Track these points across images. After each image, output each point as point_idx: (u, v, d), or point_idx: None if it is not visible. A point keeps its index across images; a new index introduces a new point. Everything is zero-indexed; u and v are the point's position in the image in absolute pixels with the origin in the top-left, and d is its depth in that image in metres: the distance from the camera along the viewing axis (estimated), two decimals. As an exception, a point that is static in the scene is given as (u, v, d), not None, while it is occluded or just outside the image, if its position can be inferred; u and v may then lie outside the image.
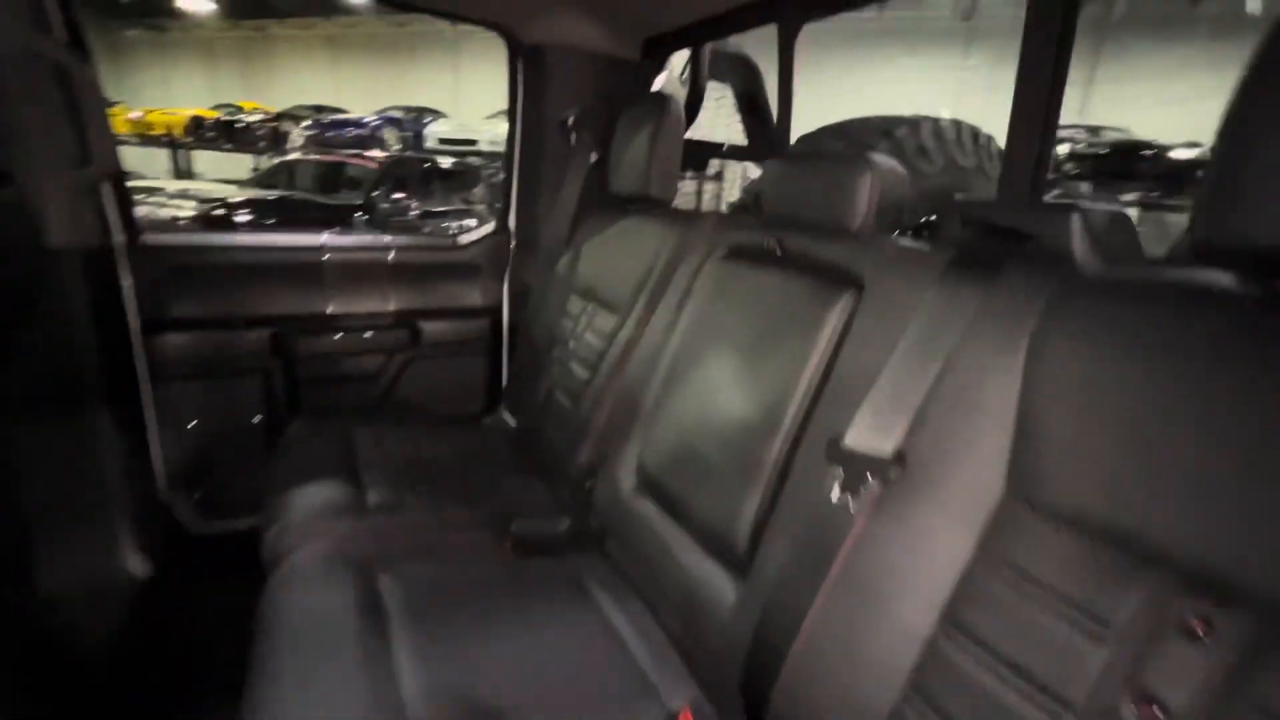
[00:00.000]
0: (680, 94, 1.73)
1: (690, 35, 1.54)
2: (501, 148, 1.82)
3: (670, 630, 0.96)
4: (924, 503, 0.64)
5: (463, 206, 7.26)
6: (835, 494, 0.69)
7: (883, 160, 0.86)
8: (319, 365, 1.63)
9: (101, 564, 1.40)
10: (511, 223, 1.82)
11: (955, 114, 2.23)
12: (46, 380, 1.34)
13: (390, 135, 9.89)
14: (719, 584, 0.88)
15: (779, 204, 1.02)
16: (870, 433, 0.69)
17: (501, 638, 0.92)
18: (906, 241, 0.84)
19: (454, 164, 7.43)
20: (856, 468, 0.69)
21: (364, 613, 0.89)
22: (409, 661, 0.82)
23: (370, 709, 0.74)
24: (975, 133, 2.12)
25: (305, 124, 10.23)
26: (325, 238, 1.66)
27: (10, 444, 1.31)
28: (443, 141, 9.69)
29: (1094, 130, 9.06)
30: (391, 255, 1.70)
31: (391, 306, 1.70)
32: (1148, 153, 7.50)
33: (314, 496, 1.18)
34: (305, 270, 1.61)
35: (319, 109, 11.85)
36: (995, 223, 0.73)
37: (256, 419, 1.58)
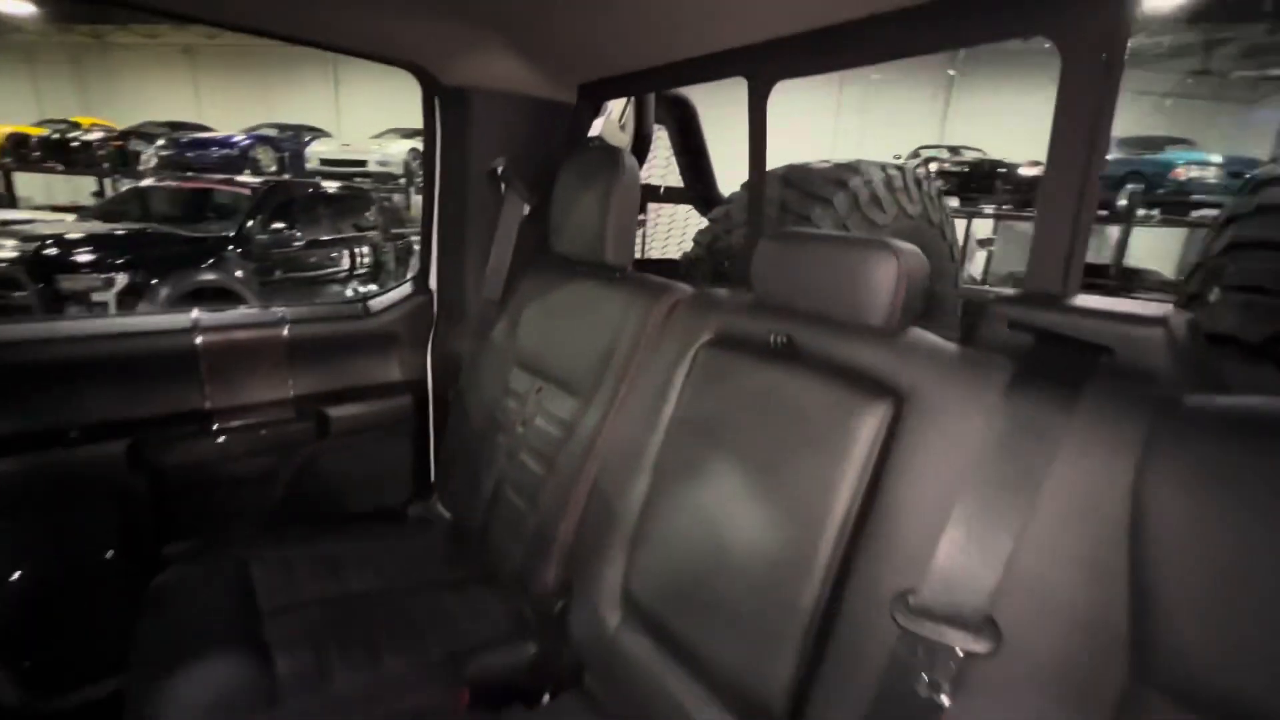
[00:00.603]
0: (621, 140, 1.59)
1: (633, 83, 1.39)
2: (393, 169, 1.58)
3: None
4: (1029, 683, 0.52)
5: (354, 234, 6.72)
6: (922, 681, 0.56)
7: (902, 245, 0.76)
8: (195, 475, 1.31)
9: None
10: (433, 283, 1.58)
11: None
12: None
13: (264, 156, 8.97)
14: None
15: (776, 289, 0.89)
16: (949, 589, 0.57)
17: None
18: (941, 341, 0.74)
19: (341, 188, 6.83)
20: (937, 634, 0.56)
21: None
22: None
23: None
24: (918, 179, 2.12)
25: (160, 143, 9.08)
26: (196, 314, 1.35)
27: None
28: (325, 163, 8.92)
29: (955, 150, 10.01)
30: (286, 330, 1.41)
31: (290, 392, 1.41)
32: (1001, 170, 8.45)
33: (202, 681, 0.90)
34: (170, 358, 1.28)
35: (176, 126, 10.58)
36: (1060, 332, 0.63)
37: (109, 555, 1.23)
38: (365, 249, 6.84)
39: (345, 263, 6.57)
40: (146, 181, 6.44)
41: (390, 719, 0.95)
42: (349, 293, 6.27)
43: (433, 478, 1.60)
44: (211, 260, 4.90)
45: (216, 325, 1.33)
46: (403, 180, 8.81)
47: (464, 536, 1.36)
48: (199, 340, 1.30)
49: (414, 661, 1.04)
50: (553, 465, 1.15)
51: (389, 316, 1.55)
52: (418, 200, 8.76)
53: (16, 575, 1.14)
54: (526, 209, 1.46)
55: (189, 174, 7.53)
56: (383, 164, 8.72)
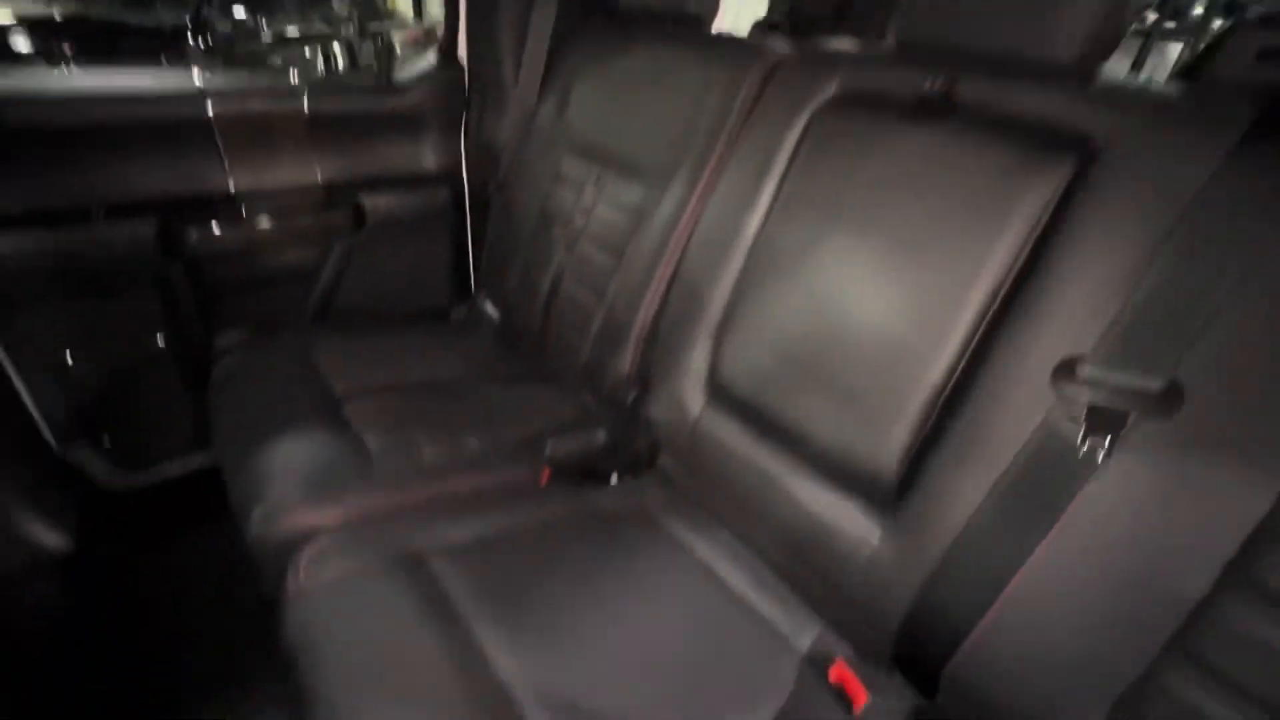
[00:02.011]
0: None
1: None
2: None
3: (778, 568, 0.85)
4: (1205, 451, 0.51)
5: (325, 30, 5.87)
6: (1079, 435, 0.55)
7: None
8: (233, 265, 1.24)
9: (3, 547, 1.09)
10: (462, 54, 1.37)
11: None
12: None
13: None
14: (853, 522, 0.76)
15: (927, 30, 0.75)
16: (1126, 356, 0.54)
17: (591, 605, 0.78)
18: (1157, 87, 0.62)
19: (303, -31, 5.84)
20: (1108, 400, 0.54)
21: (431, 618, 0.70)
22: (507, 665, 0.67)
23: None
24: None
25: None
26: (199, 78, 1.18)
27: None
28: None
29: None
30: (305, 103, 1.25)
31: (318, 177, 1.29)
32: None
33: (298, 453, 0.91)
34: (185, 129, 1.14)
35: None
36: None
37: (159, 343, 1.20)
38: (338, 47, 6.04)
39: (318, 65, 5.84)
40: None
41: (477, 491, 0.99)
42: None
43: (475, 276, 1.55)
44: (165, 57, 4.32)
45: (226, 92, 1.16)
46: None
47: (518, 334, 1.34)
48: (211, 109, 1.14)
49: (492, 442, 1.07)
50: (622, 255, 1.09)
51: (416, 95, 1.36)
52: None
53: (66, 358, 1.12)
54: None
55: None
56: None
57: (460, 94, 1.39)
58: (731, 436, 0.90)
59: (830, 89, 0.84)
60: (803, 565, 0.82)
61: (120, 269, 1.13)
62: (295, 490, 0.87)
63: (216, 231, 1.19)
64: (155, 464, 1.24)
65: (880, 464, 0.73)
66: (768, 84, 0.93)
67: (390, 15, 7.12)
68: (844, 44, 0.90)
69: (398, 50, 6.20)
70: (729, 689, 0.68)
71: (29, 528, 1.10)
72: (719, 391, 0.93)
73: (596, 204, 1.15)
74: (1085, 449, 0.56)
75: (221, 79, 1.19)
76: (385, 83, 1.34)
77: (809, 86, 0.87)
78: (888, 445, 0.72)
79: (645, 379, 1.06)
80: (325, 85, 1.28)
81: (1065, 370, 0.58)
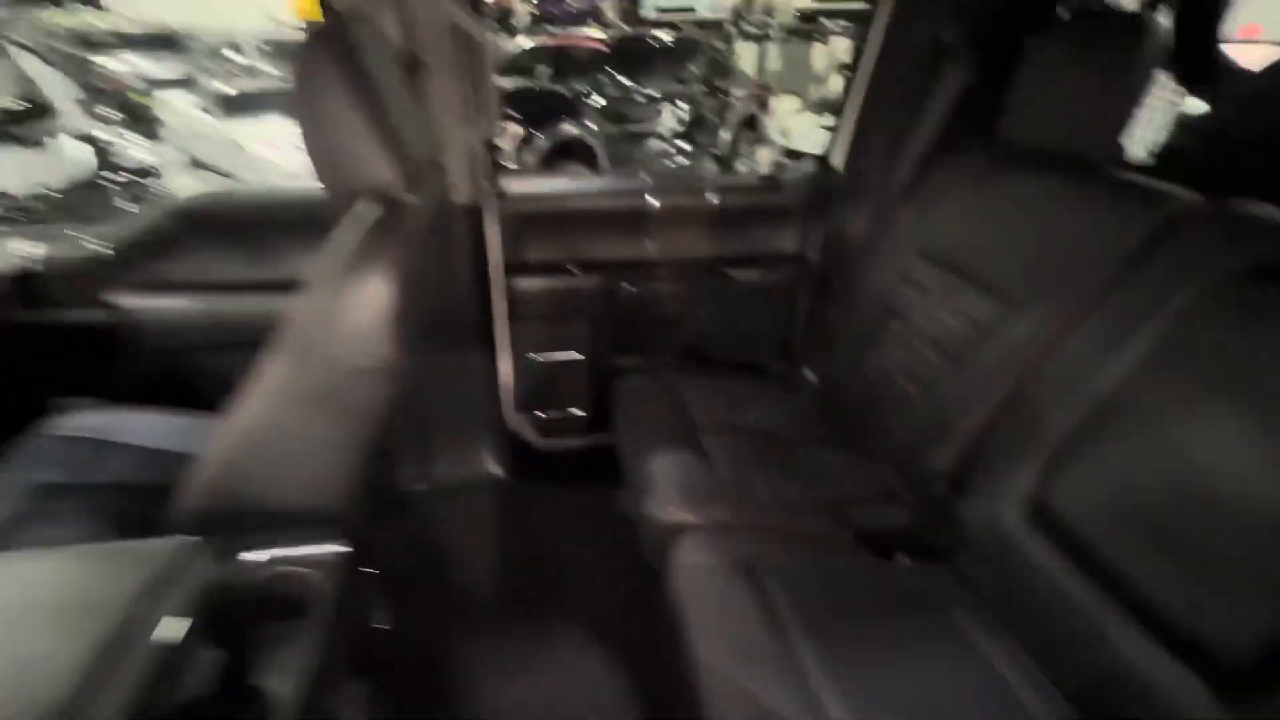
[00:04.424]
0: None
1: None
2: (721, 15, 1.62)
3: (1073, 700, 0.87)
4: None
5: (678, 89, 6.80)
6: None
7: None
8: (641, 307, 1.69)
9: (469, 465, 1.69)
10: (838, 161, 1.62)
11: None
12: (439, 314, 1.57)
13: (608, 6, 9.51)
14: (1183, 690, 0.75)
15: None
16: None
17: (891, 659, 0.92)
18: None
19: (675, 39, 6.96)
20: None
21: (767, 617, 0.93)
22: (825, 682, 0.85)
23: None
24: None
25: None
26: (646, 181, 1.65)
27: (415, 366, 1.61)
28: (661, 11, 9.07)
29: None
30: (705, 198, 1.64)
31: (705, 251, 1.67)
32: None
33: (673, 461, 1.25)
34: (629, 216, 1.62)
35: (536, -20, 11.66)
36: None
37: (581, 357, 1.71)
38: (684, 104, 6.95)
39: (668, 118, 6.80)
40: (528, 41, 7.30)
41: (792, 531, 1.19)
42: (669, 149, 6.52)
43: (798, 341, 1.79)
44: (573, 115, 5.63)
45: (659, 190, 1.62)
46: (730, 28, 8.54)
47: (836, 403, 1.52)
48: (648, 204, 1.60)
49: (807, 493, 1.27)
50: (960, 362, 1.19)
51: (794, 192, 1.67)
52: (742, 49, 8.47)
53: (533, 357, 1.68)
54: (965, 86, 1.35)
55: (551, 29, 8.44)
56: (713, 8, 8.53)
57: (827, 192, 1.65)
58: (1049, 561, 0.92)
59: (1244, 259, 0.82)
60: (1104, 711, 0.83)
61: (580, 306, 1.67)
62: (674, 492, 1.20)
63: (632, 285, 1.65)
64: (563, 436, 1.77)
65: (1237, 643, 0.71)
66: (1164, 236, 0.93)
67: (735, 75, 8.02)
68: (1266, 210, 0.86)
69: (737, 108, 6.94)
70: None
71: (483, 458, 1.69)
72: (1044, 515, 0.96)
73: (940, 309, 1.26)
74: None
75: (651, 179, 1.66)
76: (768, 182, 1.68)
77: (1216, 251, 0.86)
78: (1251, 626, 0.70)
79: (961, 478, 1.13)
80: (724, 183, 1.67)
81: None
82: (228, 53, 8.30)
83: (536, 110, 5.49)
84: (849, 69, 1.55)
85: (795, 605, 0.97)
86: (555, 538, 1.63)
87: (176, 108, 6.63)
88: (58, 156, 4.05)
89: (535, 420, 1.75)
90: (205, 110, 6.44)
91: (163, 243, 1.37)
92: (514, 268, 1.57)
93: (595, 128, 5.72)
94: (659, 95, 6.52)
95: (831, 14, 8.18)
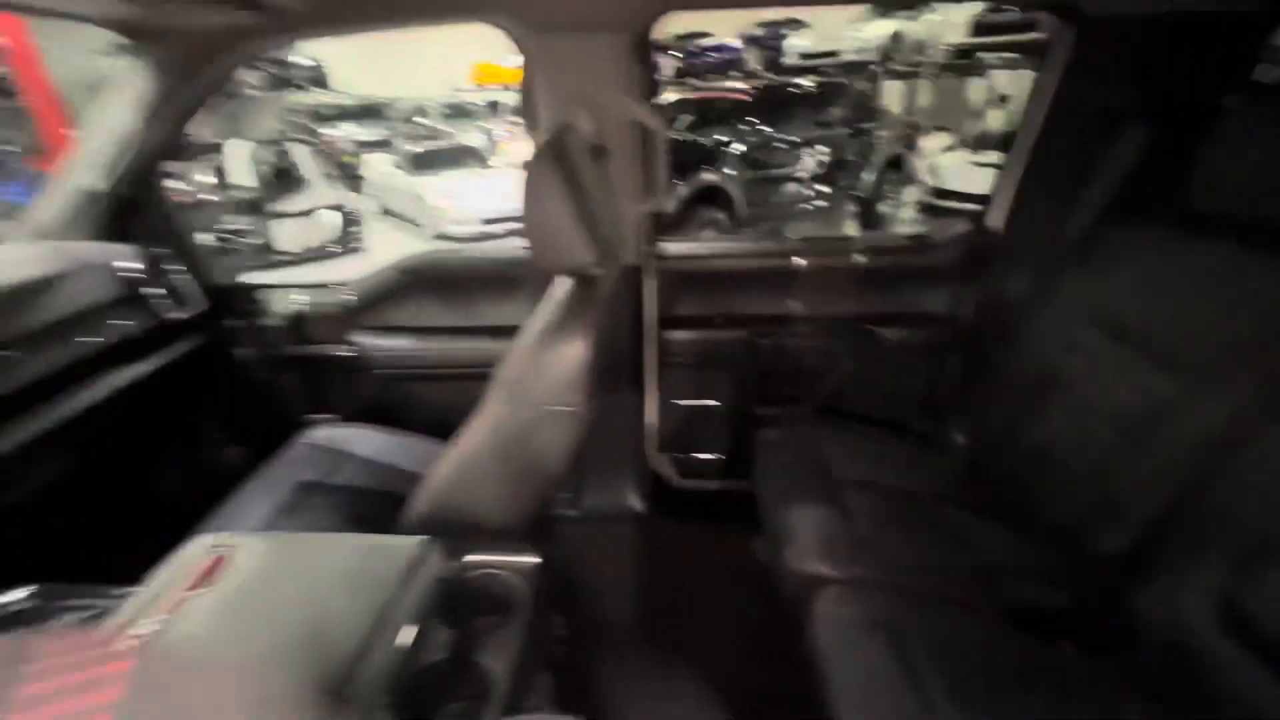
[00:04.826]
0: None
1: None
2: (866, 56, 1.60)
3: None
4: None
5: (817, 133, 6.75)
6: None
7: None
8: (777, 362, 1.76)
9: (613, 497, 1.83)
10: (998, 223, 1.59)
11: None
12: (601, 360, 1.75)
13: (751, 56, 9.84)
14: None
15: None
16: None
17: None
18: None
19: (817, 84, 7.00)
20: None
21: (913, 689, 0.94)
22: None
23: None
24: None
25: (673, 54, 10.81)
26: (796, 243, 1.73)
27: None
28: (804, 57, 9.20)
29: None
30: (856, 258, 1.68)
31: (850, 309, 1.70)
32: None
33: (814, 516, 1.28)
34: (776, 275, 1.70)
35: (682, 36, 12.32)
36: None
37: (721, 404, 1.80)
38: (824, 148, 6.86)
39: (807, 162, 6.76)
40: (676, 95, 7.66)
41: (934, 601, 1.17)
42: (807, 192, 6.47)
43: (946, 405, 1.73)
44: (712, 163, 5.84)
45: (807, 251, 1.68)
46: (875, 68, 8.42)
47: (988, 469, 1.46)
48: (795, 262, 1.68)
49: (952, 559, 1.23)
50: (1136, 440, 1.11)
51: (947, 251, 1.65)
52: (888, 89, 8.30)
53: (678, 403, 1.80)
54: (1146, 150, 1.29)
55: (695, 82, 8.87)
56: (859, 51, 8.50)
57: (986, 253, 1.62)
58: (1244, 669, 0.82)
59: None
60: None
61: (720, 357, 1.77)
62: (813, 544, 1.23)
63: (775, 340, 1.72)
64: (702, 477, 1.86)
65: None
66: None
67: (879, 113, 7.84)
68: None
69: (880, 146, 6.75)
70: None
71: (625, 493, 1.82)
72: (1239, 617, 0.88)
73: (1113, 381, 1.19)
74: None
75: (797, 239, 1.73)
76: (922, 243, 1.68)
77: None
78: None
79: (1135, 565, 1.05)
80: (874, 243, 1.69)
81: None
82: (417, 119, 9.83)
83: (678, 160, 5.77)
84: (1006, 139, 1.53)
85: (942, 674, 0.96)
86: (687, 573, 1.71)
87: (378, 166, 7.96)
88: (318, 224, 5.99)
89: (675, 461, 1.86)
90: (398, 167, 7.66)
91: (391, 293, 1.70)
92: (667, 321, 1.70)
93: (734, 173, 5.88)
94: (799, 140, 6.53)
95: (992, 48, 7.76)
